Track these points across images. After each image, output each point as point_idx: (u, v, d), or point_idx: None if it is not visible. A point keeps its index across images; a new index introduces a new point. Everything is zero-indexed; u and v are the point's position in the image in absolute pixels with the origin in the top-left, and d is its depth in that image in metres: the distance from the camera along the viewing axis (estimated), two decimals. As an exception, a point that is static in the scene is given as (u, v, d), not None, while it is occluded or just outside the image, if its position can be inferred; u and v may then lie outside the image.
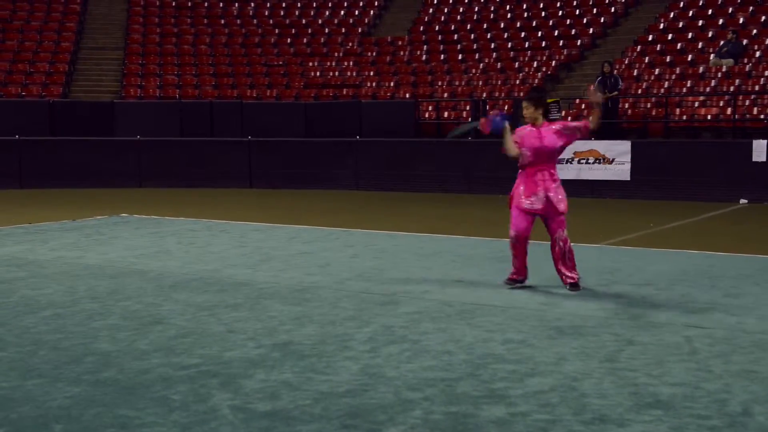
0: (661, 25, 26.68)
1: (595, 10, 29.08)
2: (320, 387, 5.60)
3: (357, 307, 8.06)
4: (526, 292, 8.74)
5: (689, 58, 24.28)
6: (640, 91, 23.36)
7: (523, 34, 28.81)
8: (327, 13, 33.72)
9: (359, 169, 23.41)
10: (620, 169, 20.02)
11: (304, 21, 33.25)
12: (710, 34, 25.31)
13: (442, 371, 5.94)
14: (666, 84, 23.22)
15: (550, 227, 8.90)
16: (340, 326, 7.29)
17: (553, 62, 26.59)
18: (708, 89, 22.50)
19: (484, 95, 25.35)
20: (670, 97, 22.26)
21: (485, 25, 30.16)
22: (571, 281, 8.78)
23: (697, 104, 22.23)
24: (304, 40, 31.82)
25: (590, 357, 6.30)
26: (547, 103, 8.79)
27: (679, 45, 25.13)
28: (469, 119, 23.70)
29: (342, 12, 33.70)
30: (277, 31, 32.58)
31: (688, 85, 22.94)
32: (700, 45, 24.86)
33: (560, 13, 29.53)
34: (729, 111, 21.22)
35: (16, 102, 26.38)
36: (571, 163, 20.45)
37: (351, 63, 29.82)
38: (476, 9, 31.49)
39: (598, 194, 20.15)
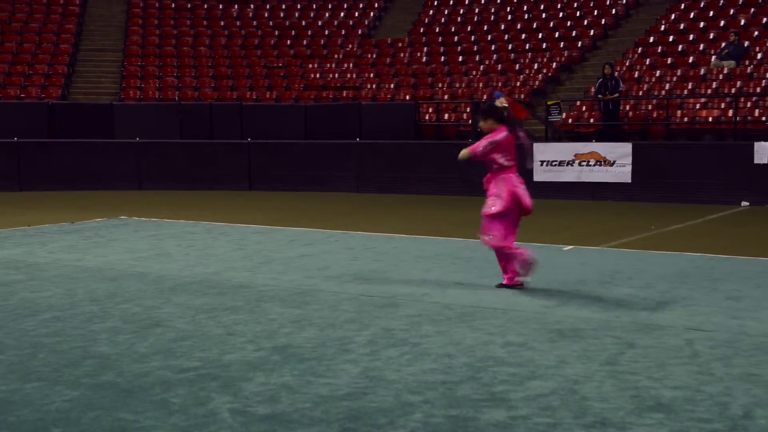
0: (663, 27, 26.67)
1: (595, 12, 29.10)
2: (320, 390, 5.58)
3: (357, 309, 8.03)
4: (526, 295, 8.72)
5: (690, 60, 24.28)
6: (641, 93, 23.36)
7: (523, 36, 28.82)
8: (327, 14, 33.73)
9: (359, 171, 23.39)
10: (621, 172, 19.99)
11: (303, 23, 33.26)
12: (712, 35, 25.32)
13: (443, 374, 5.92)
14: (667, 86, 23.21)
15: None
16: (340, 329, 7.27)
17: (554, 64, 26.59)
18: (709, 91, 22.49)
19: (485, 97, 25.32)
20: (671, 99, 22.24)
21: (486, 27, 30.18)
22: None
23: (698, 106, 22.22)
24: (304, 42, 31.83)
25: (591, 360, 6.27)
26: (498, 108, 9.09)
27: (680, 47, 25.13)
28: (470, 121, 23.68)
29: (342, 14, 33.71)
30: (276, 32, 32.58)
31: (690, 87, 22.93)
32: (701, 47, 24.86)
33: (561, 14, 29.54)
34: (730, 113, 21.20)
35: (15, 104, 26.36)
36: (571, 165, 20.43)
37: (351, 65, 29.82)
38: (477, 10, 31.50)
39: (599, 196, 20.13)
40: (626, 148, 20.15)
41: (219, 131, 25.39)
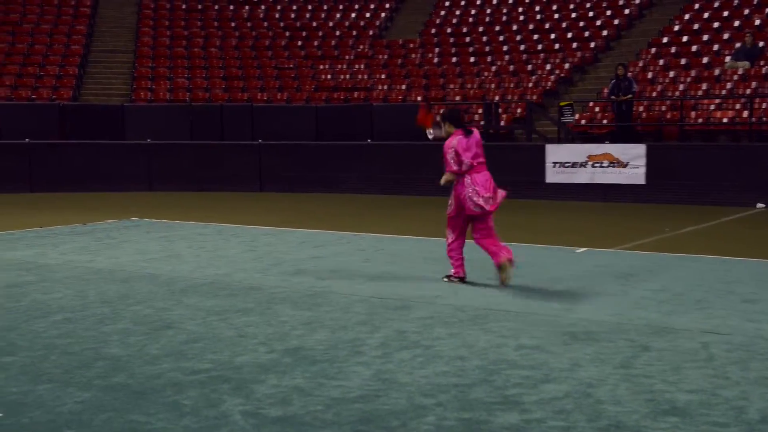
0: (676, 27, 26.52)
1: (608, 12, 28.95)
2: (332, 392, 5.56)
3: (369, 311, 8.01)
4: (539, 298, 8.67)
5: (705, 61, 24.12)
6: (654, 94, 23.23)
7: (536, 36, 28.73)
8: (338, 15, 33.71)
9: (370, 173, 23.34)
10: (635, 173, 19.88)
11: (314, 23, 33.25)
12: (726, 36, 25.14)
13: (455, 377, 5.90)
14: (681, 87, 23.08)
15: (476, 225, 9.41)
16: (351, 331, 7.24)
17: (567, 65, 26.50)
18: (724, 92, 22.34)
19: (497, 98, 25.27)
20: (685, 100, 22.13)
21: (497, 27, 30.09)
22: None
23: (713, 107, 22.07)
24: (315, 43, 31.81)
25: (605, 363, 6.23)
26: (456, 113, 9.73)
27: (694, 47, 24.97)
28: (482, 122, 23.63)
29: (353, 14, 33.68)
30: (287, 33, 32.58)
31: (704, 87, 22.79)
32: (715, 47, 24.71)
33: (573, 15, 29.42)
34: (745, 114, 21.06)
35: (26, 105, 26.43)
36: (584, 167, 20.35)
37: (362, 66, 29.79)
38: (488, 11, 31.41)
39: (612, 198, 20.03)
40: (640, 149, 20.03)
41: (229, 132, 25.39)
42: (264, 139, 24.48)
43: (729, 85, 22.50)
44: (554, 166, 20.64)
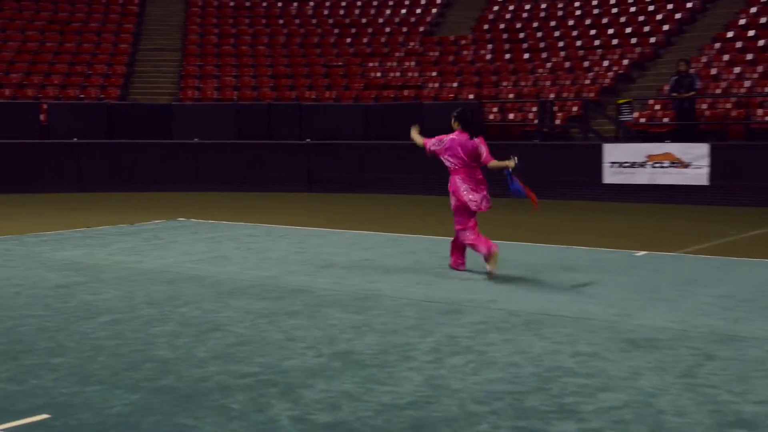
0: (742, 21, 25.85)
1: (670, 6, 28.32)
2: (382, 398, 5.47)
3: (419, 315, 7.88)
4: (597, 303, 8.48)
5: (772, 56, 23.55)
6: (718, 91, 22.69)
7: (593, 32, 28.29)
8: (388, 11, 33.56)
9: (424, 173, 22.74)
10: (697, 174, 19.49)
11: (364, 20, 33.14)
12: (795, 29, 24.53)
13: (509, 384, 5.76)
14: (747, 83, 22.53)
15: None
16: (402, 336, 7.13)
17: (625, 61, 26.09)
18: (793, 88, 21.81)
19: (552, 96, 24.94)
20: (751, 98, 21.64)
21: (553, 23, 29.71)
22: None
23: (780, 105, 21.56)
24: (365, 40, 31.69)
25: (666, 372, 6.05)
26: (466, 115, 10.43)
27: (760, 42, 24.31)
28: (535, 121, 23.33)
29: (403, 10, 33.47)
30: (336, 30, 32.53)
31: (772, 84, 22.25)
32: (784, 42, 24.11)
33: (632, 9, 28.87)
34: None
35: (75, 104, 26.66)
36: (644, 167, 20.00)
37: (413, 63, 29.59)
38: (543, 5, 30.95)
39: (674, 200, 19.64)
40: (702, 149, 19.60)
41: (277, 132, 25.39)
42: (312, 138, 24.42)
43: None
44: (612, 167, 20.34)
